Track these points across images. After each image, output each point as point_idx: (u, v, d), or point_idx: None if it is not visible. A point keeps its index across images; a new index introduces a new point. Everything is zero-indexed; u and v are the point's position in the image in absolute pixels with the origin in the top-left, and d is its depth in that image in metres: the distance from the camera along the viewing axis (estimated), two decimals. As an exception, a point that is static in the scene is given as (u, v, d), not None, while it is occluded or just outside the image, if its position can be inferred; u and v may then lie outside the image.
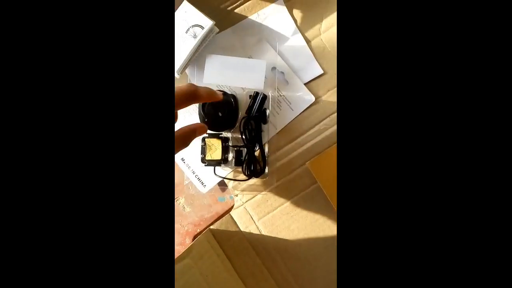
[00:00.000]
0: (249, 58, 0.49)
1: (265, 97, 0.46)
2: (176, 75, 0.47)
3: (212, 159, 0.45)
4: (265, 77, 0.46)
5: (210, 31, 0.46)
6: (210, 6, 0.49)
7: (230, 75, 0.46)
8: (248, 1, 0.49)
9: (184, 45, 0.45)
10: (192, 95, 0.35)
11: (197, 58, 0.48)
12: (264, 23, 0.49)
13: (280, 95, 0.49)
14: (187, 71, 0.49)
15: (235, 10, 0.49)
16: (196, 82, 0.48)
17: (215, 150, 0.45)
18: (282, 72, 0.48)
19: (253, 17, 0.49)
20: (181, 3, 0.45)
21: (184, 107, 0.36)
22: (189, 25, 0.45)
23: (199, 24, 0.45)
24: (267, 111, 0.47)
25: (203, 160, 0.46)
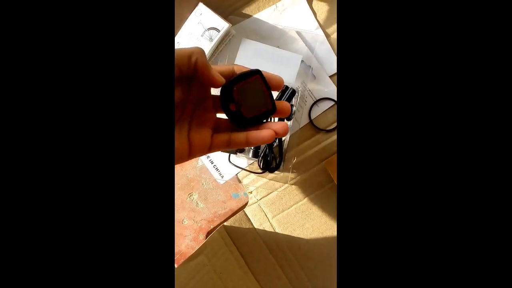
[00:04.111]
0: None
1: (294, 93, 0.44)
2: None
3: None
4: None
5: (227, 34, 0.45)
6: (226, 2, 0.47)
7: (262, 63, 0.44)
8: (266, -8, 0.47)
9: None
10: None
11: (214, 61, 0.47)
12: (282, 15, 0.47)
13: (306, 90, 0.47)
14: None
15: (253, 2, 0.47)
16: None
17: None
18: (310, 66, 0.47)
19: (271, 8, 0.47)
20: (196, 5, 0.44)
21: None
22: (204, 28, 0.43)
23: (214, 27, 0.43)
24: (293, 109, 0.45)
25: None
